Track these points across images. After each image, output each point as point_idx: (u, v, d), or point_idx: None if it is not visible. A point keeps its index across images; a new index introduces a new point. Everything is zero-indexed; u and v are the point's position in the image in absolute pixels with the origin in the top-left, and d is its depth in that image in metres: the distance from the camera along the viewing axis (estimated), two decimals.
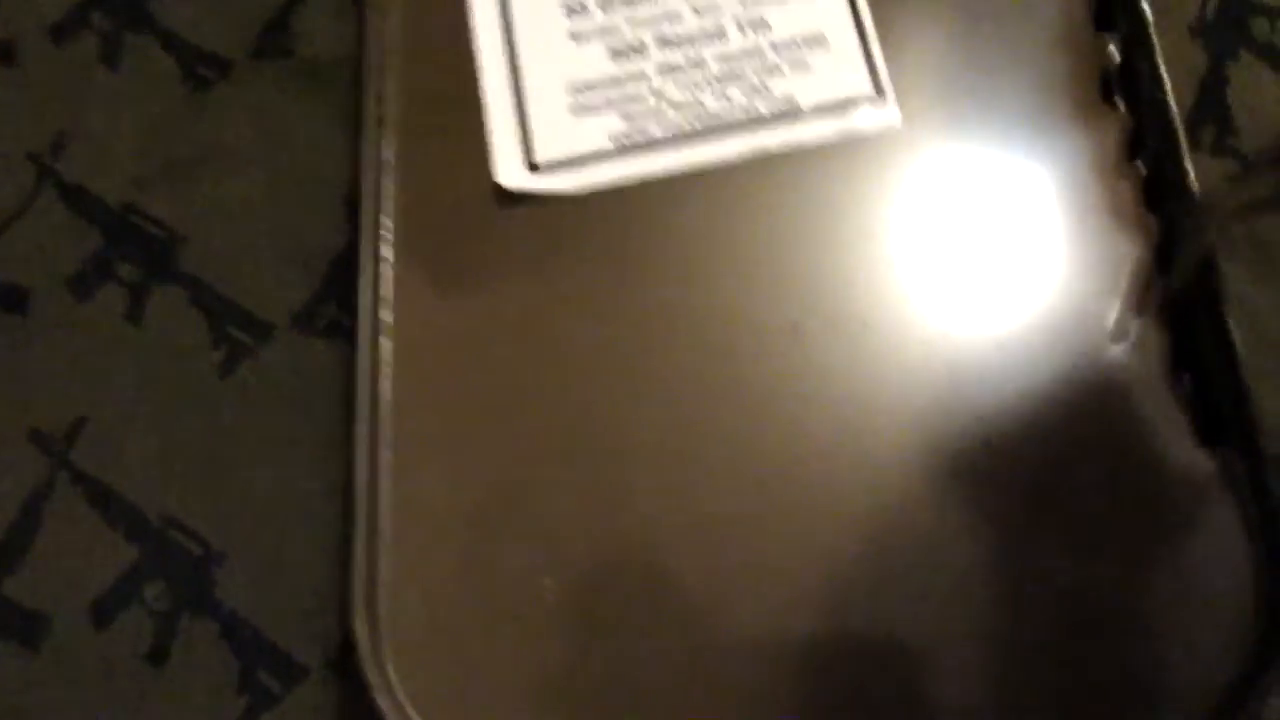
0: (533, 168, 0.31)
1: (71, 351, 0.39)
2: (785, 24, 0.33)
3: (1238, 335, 0.27)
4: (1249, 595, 0.25)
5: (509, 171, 0.31)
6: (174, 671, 0.35)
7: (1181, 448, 0.27)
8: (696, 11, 0.33)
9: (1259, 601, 0.25)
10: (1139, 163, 0.30)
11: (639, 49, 0.32)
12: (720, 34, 0.33)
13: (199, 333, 0.39)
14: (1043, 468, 0.27)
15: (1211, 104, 0.37)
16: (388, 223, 0.30)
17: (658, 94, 0.31)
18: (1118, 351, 0.28)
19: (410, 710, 0.26)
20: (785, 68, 0.32)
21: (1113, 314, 0.28)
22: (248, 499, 0.37)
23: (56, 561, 0.37)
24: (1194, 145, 0.38)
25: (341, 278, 0.39)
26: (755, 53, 0.32)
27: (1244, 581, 0.25)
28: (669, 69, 0.32)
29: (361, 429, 0.28)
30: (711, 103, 0.31)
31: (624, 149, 0.30)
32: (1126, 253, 0.29)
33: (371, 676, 0.26)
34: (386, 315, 0.30)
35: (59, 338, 0.39)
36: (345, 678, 0.34)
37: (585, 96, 0.32)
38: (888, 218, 0.29)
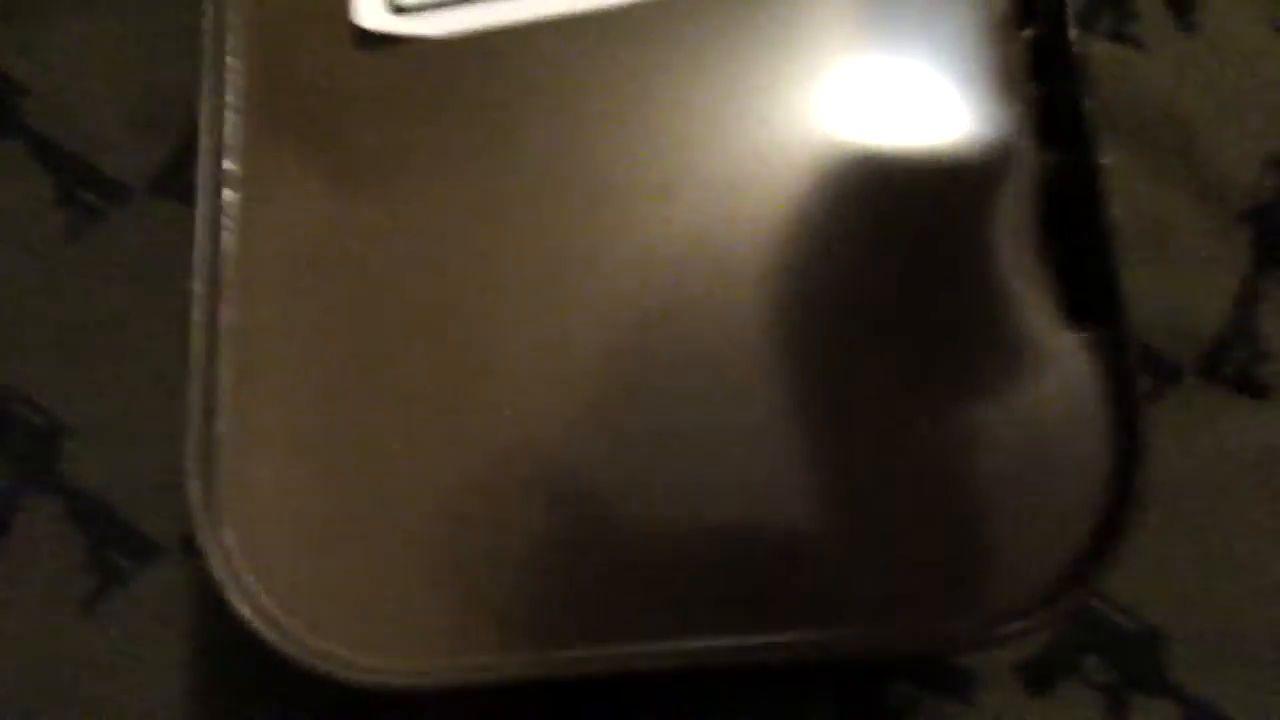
0: (396, 9, 0.29)
1: None
2: None
3: (1115, 212, 0.26)
4: (1103, 469, 0.25)
5: (370, 11, 0.28)
6: (15, 547, 0.33)
7: (1048, 322, 0.26)
8: None
9: (1111, 477, 0.25)
10: (1027, 32, 0.29)
11: None
12: None
13: (42, 193, 0.36)
14: (907, 336, 0.26)
15: None
16: (234, 64, 0.28)
17: None
18: (990, 222, 0.27)
19: (252, 582, 0.25)
20: None
21: (989, 183, 0.27)
22: (98, 371, 0.35)
23: None
24: (1090, 28, 0.37)
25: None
26: None
27: (1099, 456, 0.25)
28: None
29: (199, 286, 0.26)
30: None
31: None
32: (1008, 121, 0.28)
33: (207, 544, 0.24)
34: (231, 164, 0.27)
35: None
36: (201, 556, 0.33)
37: None
38: (764, 78, 0.28)
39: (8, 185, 0.36)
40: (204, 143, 0.27)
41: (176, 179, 0.36)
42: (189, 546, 0.33)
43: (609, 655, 0.24)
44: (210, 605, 0.33)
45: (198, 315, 0.26)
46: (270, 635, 0.24)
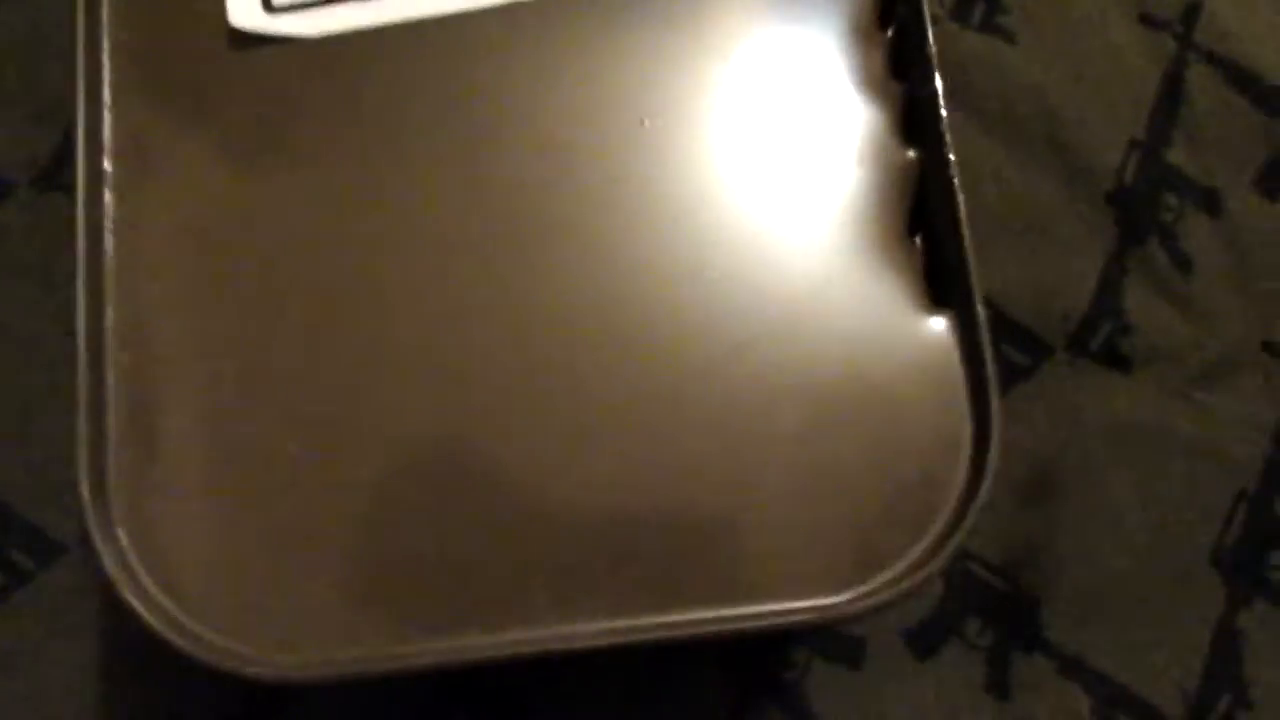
0: (269, 7, 0.29)
1: None
2: None
3: (963, 200, 0.27)
4: (962, 440, 0.27)
5: (243, 11, 0.28)
6: None
7: (910, 308, 0.28)
8: None
9: (971, 443, 0.27)
10: (889, 32, 0.30)
11: None
12: None
13: None
14: (779, 323, 0.27)
15: None
16: (110, 62, 0.28)
17: None
18: (855, 214, 0.28)
19: (147, 580, 0.25)
20: None
21: (852, 178, 0.29)
22: None
23: None
24: (963, 21, 0.39)
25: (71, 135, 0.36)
26: None
27: (959, 428, 0.27)
28: None
29: (82, 284, 0.26)
30: None
31: None
32: (870, 119, 0.29)
33: (100, 542, 0.24)
34: (109, 164, 0.27)
35: None
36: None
37: None
38: (634, 76, 0.29)
39: None
40: (81, 143, 0.27)
41: (61, 172, 0.36)
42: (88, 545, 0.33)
43: (507, 641, 0.25)
44: (111, 603, 0.33)
45: (82, 314, 0.26)
46: (168, 633, 0.24)
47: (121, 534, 0.25)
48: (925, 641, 0.35)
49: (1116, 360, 0.37)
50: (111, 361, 0.26)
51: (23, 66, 0.37)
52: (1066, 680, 0.34)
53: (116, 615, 0.33)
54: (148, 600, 0.25)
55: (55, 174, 0.36)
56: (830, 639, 0.34)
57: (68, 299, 0.34)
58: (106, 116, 0.27)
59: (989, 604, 0.35)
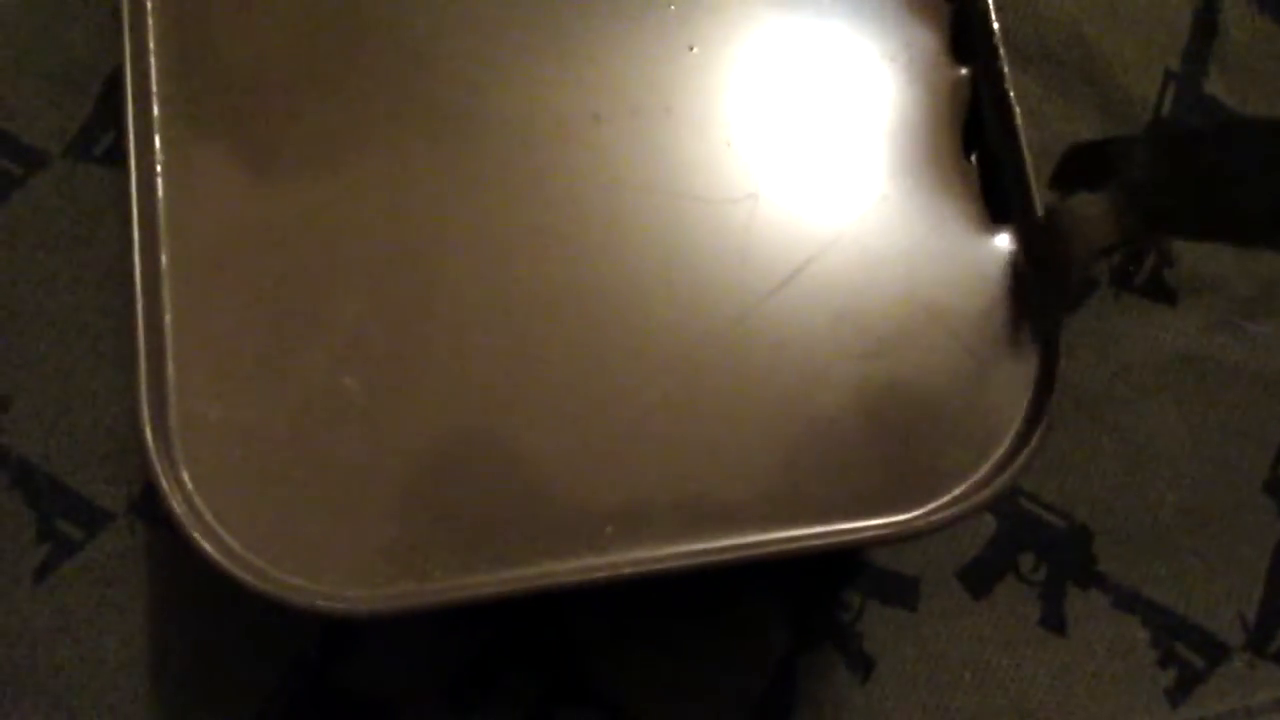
0: None
1: None
2: None
3: (1022, 120, 0.27)
4: (1028, 356, 0.26)
5: None
6: None
7: (971, 225, 0.28)
8: None
9: (1037, 360, 0.26)
10: None
11: None
12: None
13: None
14: (837, 251, 0.27)
15: None
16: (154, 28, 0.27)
17: None
18: (910, 135, 0.28)
19: (220, 530, 0.25)
20: None
21: (905, 98, 0.28)
22: (30, 339, 0.34)
23: None
24: None
25: (119, 99, 0.36)
26: None
27: (1023, 345, 0.26)
28: None
29: (136, 241, 0.26)
30: None
31: None
32: (920, 38, 0.29)
33: (166, 486, 0.24)
34: (156, 108, 0.27)
35: None
36: (152, 520, 0.33)
37: None
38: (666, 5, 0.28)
39: None
40: (130, 108, 0.27)
41: (94, 141, 0.36)
42: (137, 511, 0.33)
43: (575, 567, 0.25)
44: (163, 568, 0.33)
45: (137, 257, 0.26)
46: (238, 572, 0.24)
47: (186, 477, 0.25)
48: (979, 580, 0.34)
49: (1162, 292, 0.36)
50: (169, 304, 0.26)
51: (51, 36, 0.36)
52: (1123, 613, 0.34)
53: (170, 581, 0.33)
54: (216, 540, 0.24)
55: (88, 143, 0.36)
56: (885, 580, 0.34)
57: (106, 269, 0.35)
58: (153, 61, 0.27)
59: (1042, 540, 0.35)
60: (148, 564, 0.33)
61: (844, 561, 0.34)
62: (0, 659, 0.32)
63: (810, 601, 0.34)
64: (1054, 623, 0.34)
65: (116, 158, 0.36)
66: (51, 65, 0.36)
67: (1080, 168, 0.27)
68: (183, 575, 0.33)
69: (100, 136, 0.36)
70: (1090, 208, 0.25)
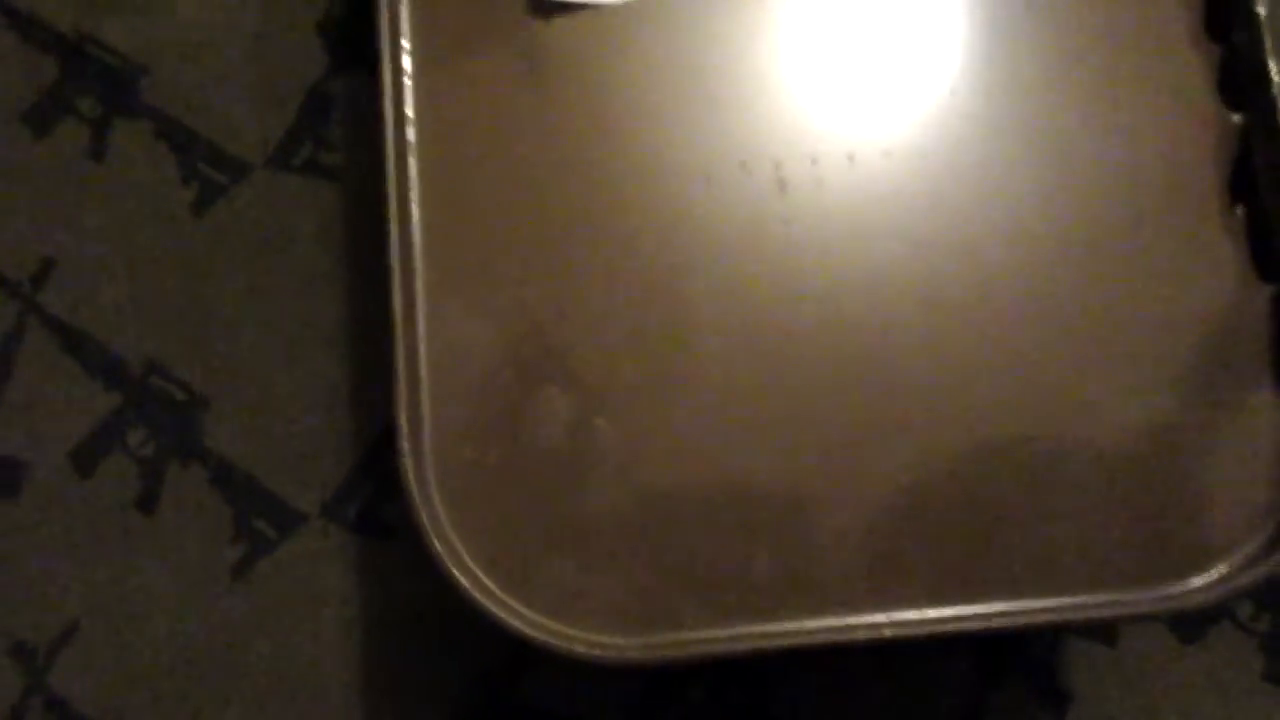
0: None
1: (31, 190, 0.37)
2: None
3: None
4: None
5: None
6: (164, 518, 0.34)
7: (1237, 281, 0.26)
8: None
9: None
10: None
11: None
12: None
13: (167, 170, 0.37)
14: (1098, 299, 0.26)
15: None
16: (404, 43, 0.28)
17: None
18: (1174, 179, 0.26)
19: (464, 553, 0.24)
20: None
21: (1170, 142, 0.26)
22: (231, 343, 0.35)
23: (31, 409, 0.35)
24: None
25: (319, 111, 0.37)
26: None
27: None
28: None
29: (393, 258, 0.26)
30: None
31: None
32: (1187, 78, 0.27)
33: (422, 519, 0.24)
34: (410, 134, 0.27)
35: (16, 176, 0.37)
36: (344, 524, 0.34)
37: None
38: (929, 34, 0.28)
39: (135, 162, 0.37)
40: (386, 111, 0.26)
41: (293, 153, 0.37)
42: (329, 514, 0.34)
43: (824, 626, 0.24)
44: (353, 572, 0.34)
45: (396, 287, 0.26)
46: (498, 612, 0.24)
47: (443, 516, 0.25)
48: (1190, 623, 0.32)
49: None
50: (423, 339, 0.25)
51: (255, 53, 0.37)
52: None
53: (361, 580, 0.33)
54: (475, 580, 0.24)
55: (287, 155, 0.37)
56: None
57: (307, 277, 0.35)
58: (405, 84, 0.27)
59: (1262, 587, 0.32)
60: (339, 567, 0.34)
61: None
62: (201, 650, 0.33)
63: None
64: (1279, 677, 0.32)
65: (314, 168, 0.36)
66: (255, 80, 0.37)
67: None
68: (372, 580, 0.34)
69: (299, 148, 0.37)
70: None
